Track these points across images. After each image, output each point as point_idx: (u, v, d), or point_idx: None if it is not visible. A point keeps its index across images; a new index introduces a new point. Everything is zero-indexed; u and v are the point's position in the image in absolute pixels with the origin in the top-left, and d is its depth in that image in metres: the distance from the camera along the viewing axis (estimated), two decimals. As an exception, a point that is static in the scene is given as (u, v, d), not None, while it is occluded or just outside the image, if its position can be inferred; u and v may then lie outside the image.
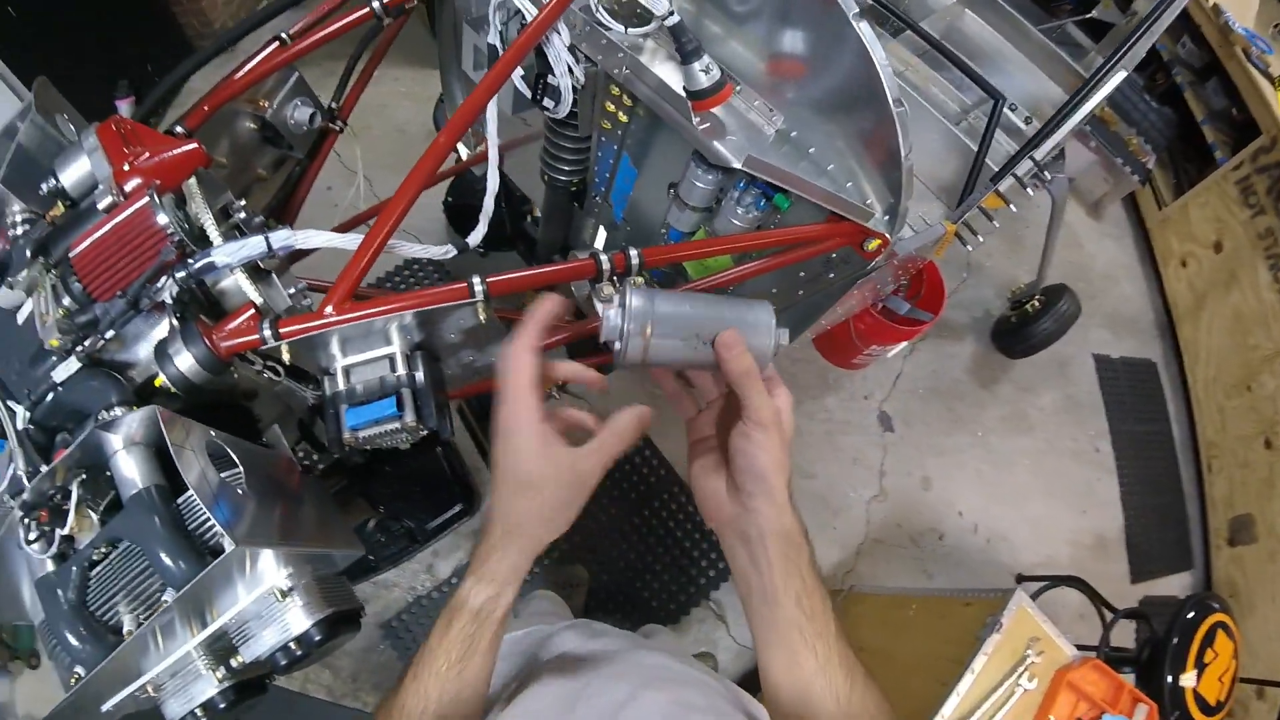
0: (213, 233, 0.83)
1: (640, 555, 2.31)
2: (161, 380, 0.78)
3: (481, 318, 0.92)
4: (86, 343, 0.76)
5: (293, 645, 0.70)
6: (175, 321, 0.78)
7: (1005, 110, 1.58)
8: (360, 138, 1.41)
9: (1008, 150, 1.53)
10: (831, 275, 1.21)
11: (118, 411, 0.72)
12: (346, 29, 1.12)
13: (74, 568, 0.69)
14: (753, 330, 0.66)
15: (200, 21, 2.80)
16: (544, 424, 0.62)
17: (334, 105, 1.31)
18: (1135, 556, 2.69)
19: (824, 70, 0.98)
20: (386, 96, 2.85)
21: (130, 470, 0.69)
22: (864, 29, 0.89)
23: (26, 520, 0.70)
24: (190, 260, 0.78)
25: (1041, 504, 2.68)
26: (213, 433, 0.76)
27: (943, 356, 2.89)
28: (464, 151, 1.78)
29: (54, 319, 0.76)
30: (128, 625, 0.68)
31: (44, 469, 0.71)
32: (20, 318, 0.80)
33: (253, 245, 0.80)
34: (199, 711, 0.70)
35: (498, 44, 1.12)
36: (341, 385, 0.88)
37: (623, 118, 1.19)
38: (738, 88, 1.05)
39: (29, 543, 0.69)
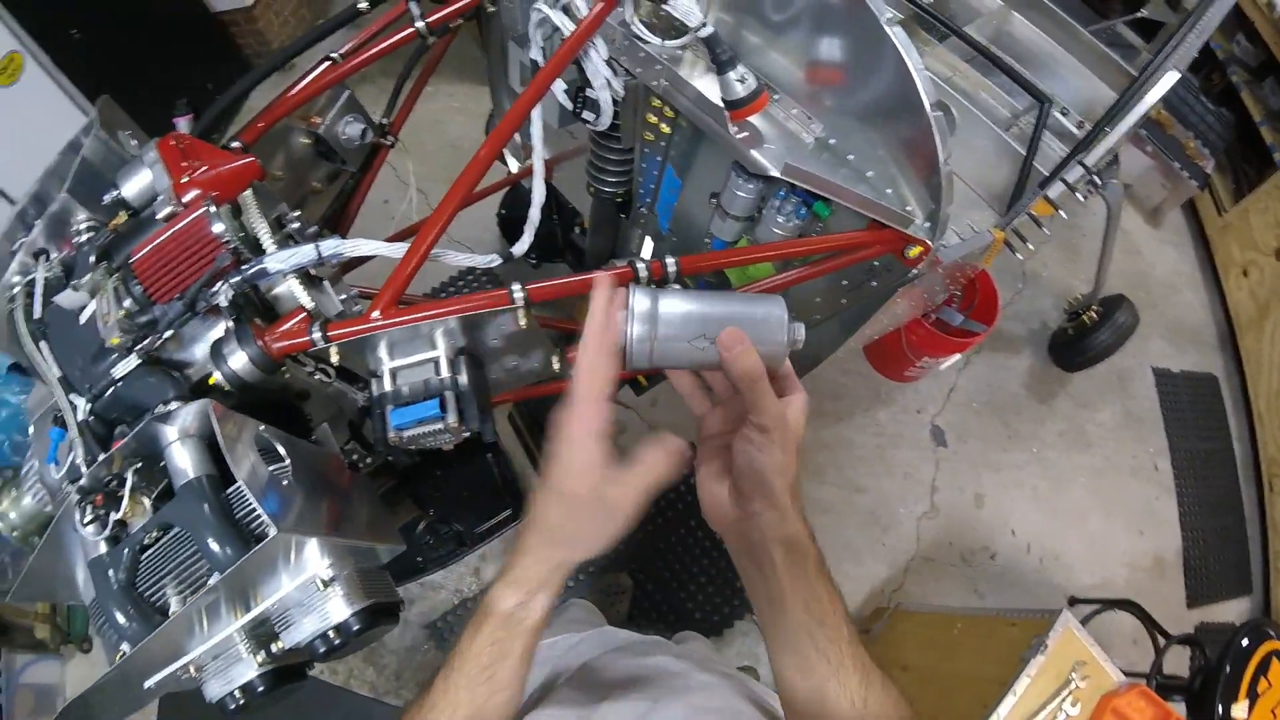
0: (266, 241, 0.88)
1: (685, 566, 2.30)
2: (216, 378, 0.82)
3: (522, 323, 0.94)
4: (145, 342, 0.80)
5: (331, 633, 0.72)
6: (231, 323, 0.82)
7: (1056, 114, 1.54)
8: (414, 152, 1.45)
9: (1059, 155, 1.48)
10: (874, 283, 1.20)
11: (173, 405, 0.76)
12: (393, 48, 1.17)
13: (125, 550, 0.72)
14: (762, 327, 0.62)
15: (258, 41, 2.88)
16: (599, 442, 0.58)
17: (385, 121, 1.35)
18: (1192, 580, 2.58)
19: (860, 77, 0.98)
20: (440, 112, 2.91)
21: (183, 460, 0.73)
22: (898, 34, 0.89)
23: (83, 504, 0.73)
24: (244, 266, 0.82)
25: (1098, 523, 2.58)
26: (262, 427, 0.79)
27: (998, 369, 2.81)
28: (514, 165, 1.82)
29: (115, 319, 0.80)
30: (174, 607, 0.70)
31: (102, 457, 0.75)
32: (83, 318, 0.85)
33: (303, 253, 0.84)
34: (237, 693, 0.72)
35: (539, 59, 1.15)
36: (388, 387, 0.91)
37: (665, 129, 1.20)
38: (775, 97, 1.06)
39: (84, 524, 0.72)
